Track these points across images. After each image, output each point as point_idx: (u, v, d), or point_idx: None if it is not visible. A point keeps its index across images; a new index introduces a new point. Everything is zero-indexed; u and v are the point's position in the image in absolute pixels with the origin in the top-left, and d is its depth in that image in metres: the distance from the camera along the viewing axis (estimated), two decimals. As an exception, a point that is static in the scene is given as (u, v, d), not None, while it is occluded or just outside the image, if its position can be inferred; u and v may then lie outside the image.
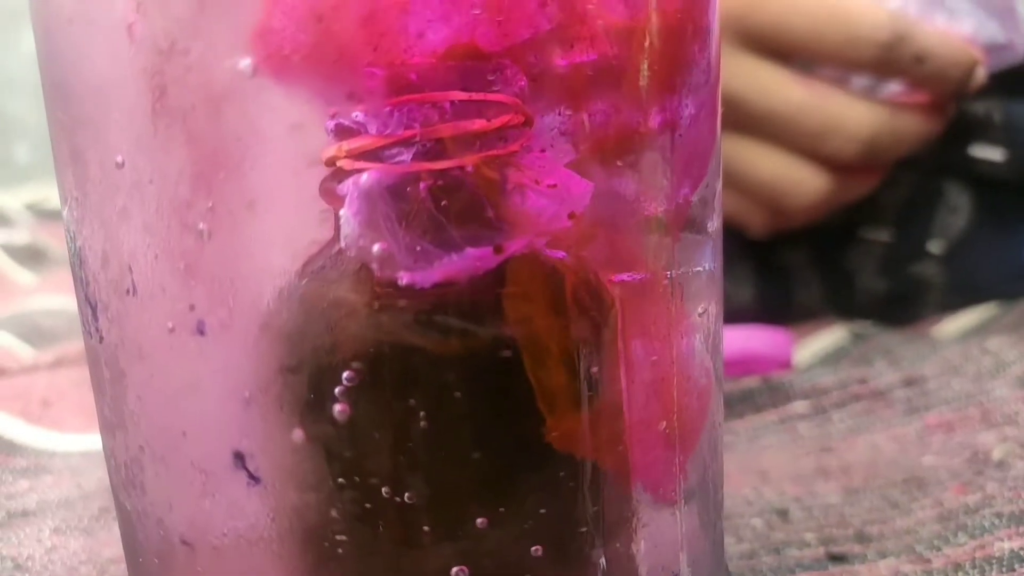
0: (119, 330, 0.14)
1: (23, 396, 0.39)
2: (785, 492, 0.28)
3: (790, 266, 0.39)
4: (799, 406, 0.33)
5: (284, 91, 0.13)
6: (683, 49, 0.17)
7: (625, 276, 0.17)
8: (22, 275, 0.64)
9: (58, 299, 0.58)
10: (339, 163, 0.15)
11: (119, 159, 0.13)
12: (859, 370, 0.34)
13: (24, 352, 0.46)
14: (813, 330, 0.39)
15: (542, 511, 0.14)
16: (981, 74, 0.33)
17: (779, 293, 0.39)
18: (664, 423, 0.16)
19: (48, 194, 0.87)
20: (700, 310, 0.17)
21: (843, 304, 0.39)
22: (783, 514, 0.27)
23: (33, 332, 0.49)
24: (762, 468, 0.30)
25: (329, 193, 0.15)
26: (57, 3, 0.14)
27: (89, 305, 0.14)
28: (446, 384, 0.13)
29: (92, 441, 0.37)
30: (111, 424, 0.15)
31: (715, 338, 0.18)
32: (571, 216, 0.16)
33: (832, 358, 0.37)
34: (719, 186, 0.18)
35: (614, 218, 0.17)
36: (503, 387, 0.14)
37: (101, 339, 0.14)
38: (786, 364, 0.34)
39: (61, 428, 0.37)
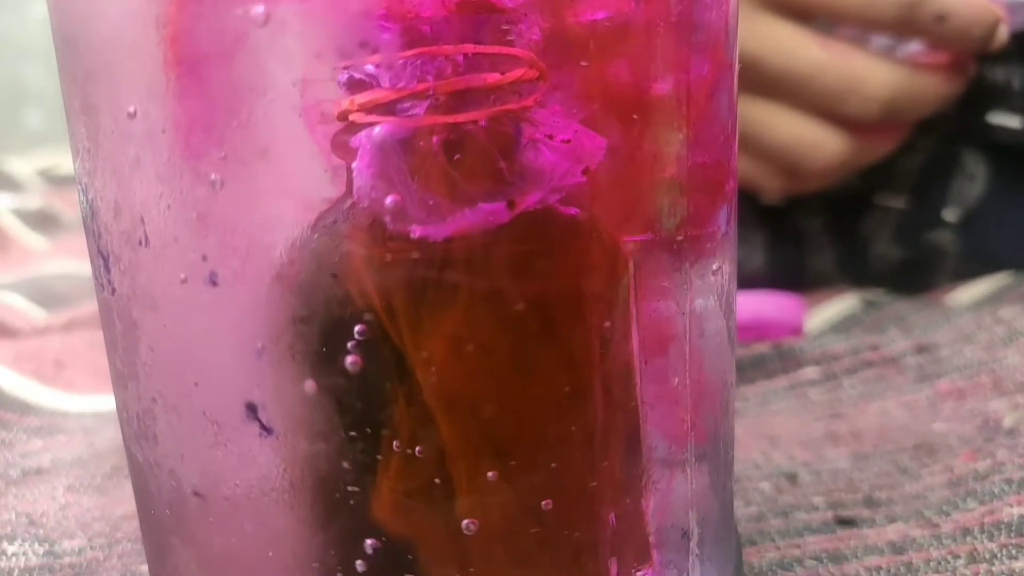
0: (131, 281, 0.14)
1: (36, 357, 0.39)
2: (794, 456, 0.28)
3: (804, 232, 0.39)
4: (810, 372, 0.33)
5: (297, 40, 0.12)
6: (700, 7, 0.17)
7: (639, 236, 0.17)
8: (34, 240, 0.65)
9: (70, 263, 0.58)
10: (351, 117, 0.15)
11: (132, 109, 0.13)
12: (871, 337, 0.34)
13: (36, 315, 0.46)
14: (826, 297, 0.39)
15: (553, 465, 0.14)
16: (1003, 33, 0.32)
17: (792, 259, 0.39)
18: (676, 380, 0.16)
19: (60, 160, 0.87)
20: (714, 269, 0.17)
21: (857, 271, 0.39)
22: (792, 478, 0.27)
23: (46, 295, 0.49)
24: (772, 433, 0.30)
25: (342, 147, 0.15)
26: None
27: (101, 257, 0.14)
28: (458, 338, 0.13)
29: (104, 402, 0.37)
30: (123, 376, 0.15)
31: (728, 299, 0.18)
32: (585, 172, 0.16)
33: (844, 325, 0.37)
34: (735, 147, 0.18)
35: (628, 177, 0.17)
36: (515, 341, 0.14)
37: (113, 291, 0.14)
38: (797, 331, 0.34)
39: (74, 389, 0.38)
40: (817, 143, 0.32)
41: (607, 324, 0.15)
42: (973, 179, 0.37)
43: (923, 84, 0.32)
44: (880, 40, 0.33)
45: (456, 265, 0.14)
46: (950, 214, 0.37)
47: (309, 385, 0.13)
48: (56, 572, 0.24)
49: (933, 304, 0.37)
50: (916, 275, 0.38)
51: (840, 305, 0.38)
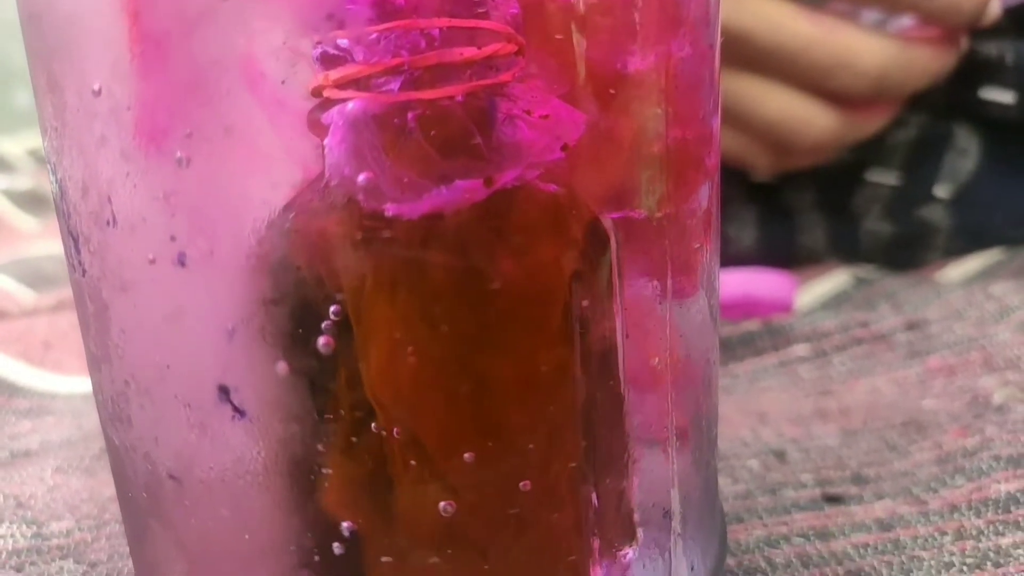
0: (100, 262, 0.14)
1: (24, 339, 0.39)
2: (783, 434, 0.28)
3: (794, 208, 0.39)
4: (800, 349, 0.33)
5: (262, 14, 0.12)
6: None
7: (618, 213, 0.16)
8: (24, 220, 0.64)
9: (60, 245, 0.58)
10: (325, 93, 0.14)
11: (96, 86, 0.13)
12: (861, 314, 0.34)
13: (25, 296, 0.46)
14: (816, 274, 0.39)
15: (531, 446, 0.14)
16: (995, 8, 0.32)
17: (783, 236, 0.38)
18: (656, 359, 0.16)
19: (50, 139, 0.86)
20: (695, 247, 0.17)
21: (847, 247, 0.38)
22: (780, 455, 0.27)
23: (35, 276, 0.49)
24: (761, 410, 0.30)
25: (315, 124, 0.14)
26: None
27: (72, 238, 0.14)
28: (433, 317, 0.13)
29: (89, 375, 0.37)
30: (97, 359, 0.15)
31: (710, 276, 0.18)
32: (564, 148, 0.16)
33: (835, 302, 0.37)
34: (716, 124, 0.18)
35: (607, 153, 0.16)
36: (492, 320, 0.14)
37: (84, 272, 0.14)
38: (787, 308, 0.33)
39: (62, 370, 0.37)
40: (807, 119, 0.32)
41: (587, 302, 0.15)
42: (965, 155, 0.37)
43: (914, 59, 0.32)
44: (870, 15, 0.33)
45: (432, 243, 0.14)
46: (942, 190, 0.37)
47: (281, 367, 0.13)
48: (44, 554, 0.24)
49: (924, 280, 0.37)
50: (907, 251, 0.38)
51: (831, 282, 0.38)
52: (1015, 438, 0.26)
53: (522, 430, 0.14)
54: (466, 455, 0.13)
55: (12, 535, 0.25)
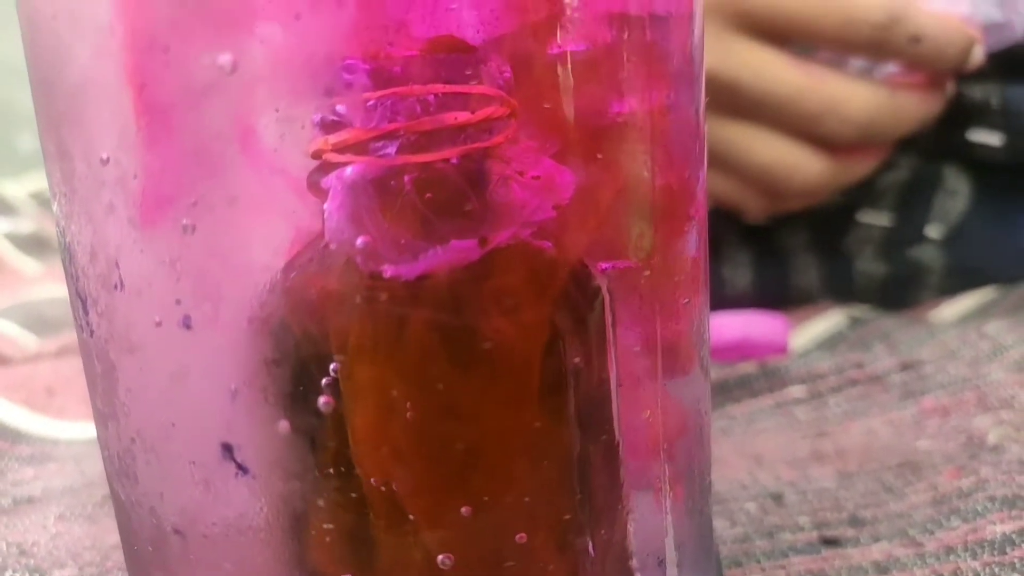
0: (108, 324, 0.14)
1: (27, 385, 0.39)
2: (780, 476, 0.28)
3: (788, 250, 0.39)
4: (795, 391, 0.33)
5: (265, 87, 0.13)
6: (665, 38, 0.17)
7: (608, 264, 0.17)
8: (27, 264, 0.65)
9: (62, 288, 0.58)
10: (324, 156, 0.15)
11: (104, 155, 0.13)
12: (856, 355, 0.34)
13: (28, 341, 0.46)
14: (811, 314, 0.39)
15: (526, 499, 0.14)
16: (979, 54, 0.33)
17: (777, 277, 0.39)
18: (648, 412, 0.17)
19: (53, 182, 0.87)
20: (685, 300, 0.18)
21: (841, 288, 0.39)
22: (777, 498, 0.27)
23: (37, 321, 0.49)
24: (757, 452, 0.30)
25: (314, 186, 0.15)
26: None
27: (80, 299, 0.14)
28: (428, 375, 0.13)
29: (94, 429, 0.37)
30: (104, 415, 0.15)
31: (700, 325, 0.18)
32: (556, 207, 0.16)
33: (829, 343, 0.37)
34: (703, 174, 0.18)
35: (597, 207, 0.17)
36: (488, 378, 0.14)
37: (92, 333, 0.14)
38: (782, 350, 0.34)
39: (65, 416, 0.38)
40: (797, 165, 0.33)
41: (579, 358, 0.15)
42: (955, 196, 0.37)
43: (901, 105, 0.33)
44: (857, 62, 0.34)
45: (428, 303, 0.14)
46: (933, 230, 0.38)
47: (283, 425, 0.13)
48: (45, 604, 0.24)
49: (918, 320, 0.38)
50: (901, 291, 0.38)
51: (826, 322, 0.38)
52: (1010, 479, 0.26)
53: (517, 484, 0.14)
54: (463, 509, 0.14)
55: (15, 585, 0.25)
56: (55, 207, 0.15)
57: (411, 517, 0.13)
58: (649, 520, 0.17)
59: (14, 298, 0.56)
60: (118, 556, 0.26)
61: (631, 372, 0.17)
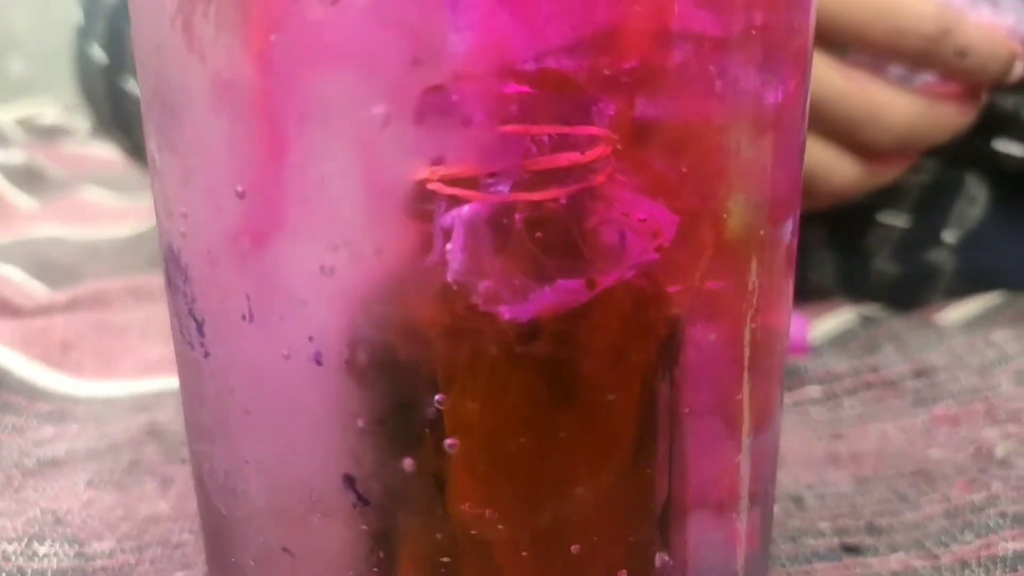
0: (230, 351, 0.14)
1: (42, 339, 0.39)
2: (799, 479, 0.29)
3: (805, 245, 0.40)
4: (812, 390, 0.34)
5: (409, 137, 0.13)
6: (774, 76, 0.17)
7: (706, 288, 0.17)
8: (22, 199, 0.64)
9: (62, 228, 0.57)
10: (430, 186, 0.15)
11: (239, 189, 0.13)
12: (871, 358, 0.35)
13: (35, 288, 0.46)
14: (823, 310, 0.40)
15: (631, 538, 0.15)
16: (1019, 68, 0.33)
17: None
18: (730, 443, 0.17)
19: (42, 109, 0.85)
20: (773, 325, 0.18)
21: (855, 286, 0.40)
22: (798, 501, 0.28)
23: (43, 265, 0.48)
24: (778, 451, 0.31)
25: (421, 215, 0.15)
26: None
27: (194, 320, 0.15)
28: (552, 423, 0.14)
29: (112, 387, 0.37)
30: (210, 431, 0.15)
31: (780, 355, 0.19)
32: (658, 249, 0.17)
33: (840, 340, 0.38)
34: (798, 212, 0.19)
35: (699, 242, 0.17)
36: (599, 420, 0.15)
37: (207, 354, 0.15)
38: (804, 350, 0.35)
39: (82, 373, 0.38)
40: (831, 168, 0.33)
41: (676, 394, 0.16)
42: (974, 203, 0.38)
43: (939, 114, 0.33)
44: (895, 69, 0.34)
45: (542, 344, 0.15)
46: (949, 235, 0.39)
47: (408, 463, 0.14)
48: (89, 575, 0.25)
49: (926, 323, 0.39)
50: (912, 292, 0.39)
51: (837, 319, 0.39)
52: (1020, 495, 0.27)
53: (622, 522, 0.15)
54: (573, 547, 0.14)
55: (56, 554, 0.26)
56: (168, 224, 0.15)
57: (524, 555, 0.14)
58: (725, 542, 0.17)
59: (11, 235, 0.55)
60: (155, 530, 0.27)
61: (715, 405, 0.17)
